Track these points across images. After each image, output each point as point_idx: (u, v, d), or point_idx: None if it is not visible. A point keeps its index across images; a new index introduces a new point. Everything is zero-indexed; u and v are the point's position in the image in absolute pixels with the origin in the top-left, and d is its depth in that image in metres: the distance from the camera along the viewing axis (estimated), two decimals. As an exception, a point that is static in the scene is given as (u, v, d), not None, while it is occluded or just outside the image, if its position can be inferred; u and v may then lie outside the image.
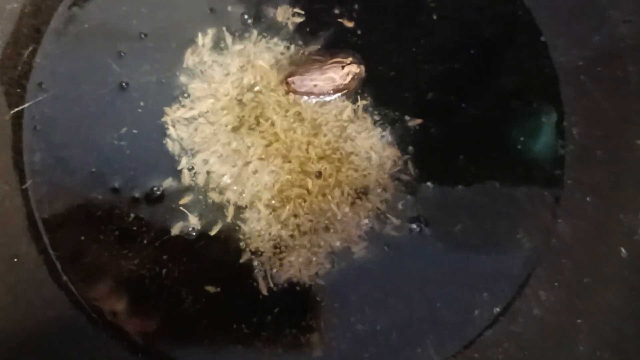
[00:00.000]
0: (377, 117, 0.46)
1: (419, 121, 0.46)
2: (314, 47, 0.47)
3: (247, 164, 0.45)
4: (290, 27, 0.47)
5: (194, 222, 0.45)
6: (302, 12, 0.48)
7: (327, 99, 0.46)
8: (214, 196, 0.45)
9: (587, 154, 0.46)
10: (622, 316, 0.41)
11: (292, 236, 0.45)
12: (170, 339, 0.45)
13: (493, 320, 0.44)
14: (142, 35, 0.47)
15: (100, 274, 0.45)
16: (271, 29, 0.48)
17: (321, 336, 0.44)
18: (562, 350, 0.42)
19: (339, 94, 0.46)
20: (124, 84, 0.47)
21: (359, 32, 0.48)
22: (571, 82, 0.47)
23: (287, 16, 0.47)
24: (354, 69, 0.46)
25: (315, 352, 0.44)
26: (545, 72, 0.48)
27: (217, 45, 0.47)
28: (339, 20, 0.48)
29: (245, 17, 0.48)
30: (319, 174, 0.45)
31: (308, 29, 0.48)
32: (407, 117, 0.47)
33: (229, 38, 0.47)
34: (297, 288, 0.45)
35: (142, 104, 0.46)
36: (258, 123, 0.46)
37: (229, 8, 0.48)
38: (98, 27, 0.47)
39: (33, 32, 0.47)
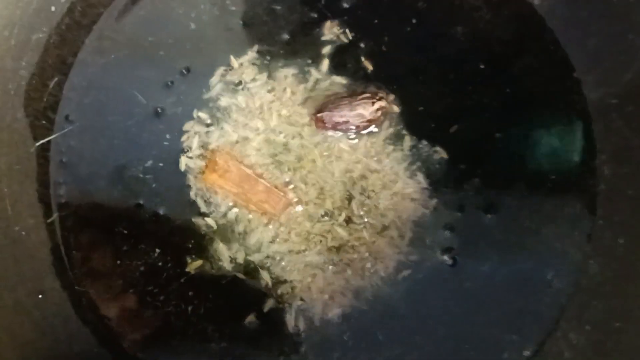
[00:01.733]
0: (406, 151, 0.46)
1: (443, 154, 0.46)
2: (341, 81, 0.47)
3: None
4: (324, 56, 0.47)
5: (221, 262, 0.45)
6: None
7: (356, 134, 0.46)
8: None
9: (618, 193, 0.46)
10: (655, 362, 0.41)
11: (317, 275, 0.44)
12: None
13: (523, 362, 0.44)
14: (168, 67, 0.47)
15: (126, 311, 0.44)
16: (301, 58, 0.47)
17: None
18: (593, 395, 0.42)
19: (368, 129, 0.46)
20: (158, 110, 0.46)
21: (385, 65, 0.47)
22: (602, 119, 0.47)
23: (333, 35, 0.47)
24: (384, 104, 0.45)
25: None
26: (577, 108, 0.47)
27: (244, 79, 0.47)
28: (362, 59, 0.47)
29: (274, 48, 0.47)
30: (348, 219, 0.44)
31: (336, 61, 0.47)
32: (436, 150, 0.46)
33: (255, 71, 0.47)
34: (324, 327, 0.44)
35: (168, 136, 0.46)
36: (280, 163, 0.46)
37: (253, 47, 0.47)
38: (125, 58, 0.47)
39: (59, 62, 0.46)
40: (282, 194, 0.44)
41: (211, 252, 0.45)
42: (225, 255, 0.44)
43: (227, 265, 0.44)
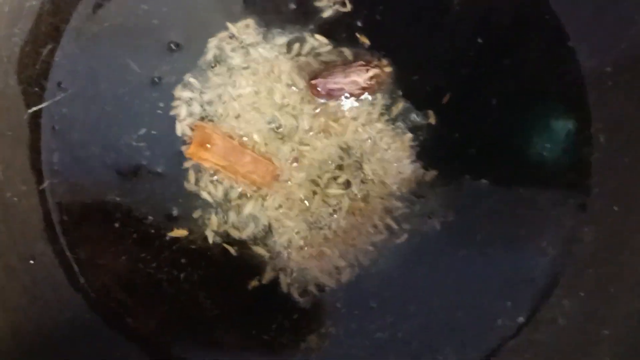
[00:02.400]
0: (400, 121, 0.46)
1: (438, 123, 0.46)
2: (337, 49, 0.47)
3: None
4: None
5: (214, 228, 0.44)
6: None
7: (350, 101, 0.45)
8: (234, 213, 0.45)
9: (613, 161, 0.45)
10: (649, 326, 0.40)
11: (310, 244, 0.44)
12: (187, 343, 0.45)
13: (516, 329, 0.44)
14: (162, 35, 0.47)
15: (117, 277, 0.44)
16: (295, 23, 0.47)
17: (341, 343, 0.44)
18: (586, 360, 0.42)
19: (363, 97, 0.45)
20: (151, 79, 0.46)
21: (382, 35, 0.47)
22: (597, 87, 0.47)
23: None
24: (378, 71, 0.45)
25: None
26: (571, 77, 0.47)
27: (239, 46, 0.47)
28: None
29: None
30: (347, 183, 0.44)
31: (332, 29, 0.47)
32: (431, 119, 0.46)
33: (250, 39, 0.47)
34: (316, 295, 0.44)
35: (161, 104, 0.46)
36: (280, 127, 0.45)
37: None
38: (118, 26, 0.47)
39: (52, 30, 0.46)
40: (269, 163, 0.44)
41: (203, 221, 0.45)
42: (215, 228, 0.44)
43: (214, 239, 0.44)
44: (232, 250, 0.44)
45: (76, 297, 0.44)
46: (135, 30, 0.47)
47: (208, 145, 0.43)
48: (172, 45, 0.46)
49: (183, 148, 0.45)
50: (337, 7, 0.47)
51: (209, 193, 0.45)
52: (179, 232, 0.44)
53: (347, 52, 0.46)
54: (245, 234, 0.44)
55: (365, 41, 0.46)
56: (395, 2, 0.47)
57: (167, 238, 0.44)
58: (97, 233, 0.44)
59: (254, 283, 0.44)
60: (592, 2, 0.47)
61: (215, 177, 0.45)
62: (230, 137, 0.44)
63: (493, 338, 0.44)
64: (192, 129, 0.45)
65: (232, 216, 0.45)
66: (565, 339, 0.43)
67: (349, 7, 0.47)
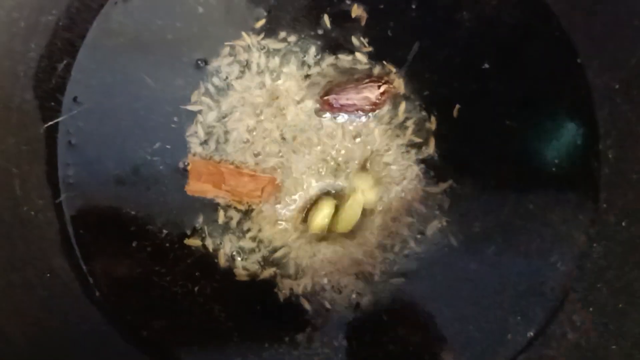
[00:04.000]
0: (411, 135, 0.46)
1: (448, 138, 0.46)
2: (347, 65, 0.47)
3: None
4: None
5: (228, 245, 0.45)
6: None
7: (362, 117, 0.46)
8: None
9: (622, 177, 0.46)
10: (659, 343, 0.41)
11: (323, 259, 0.45)
12: (201, 355, 0.45)
13: (526, 344, 0.44)
14: (176, 50, 0.47)
15: (132, 290, 0.45)
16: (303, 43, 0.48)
17: (353, 355, 0.44)
18: (596, 375, 0.42)
19: (375, 112, 0.46)
20: (165, 93, 0.46)
21: (391, 49, 0.48)
22: (606, 104, 0.47)
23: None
24: (389, 87, 0.45)
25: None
26: (581, 93, 0.48)
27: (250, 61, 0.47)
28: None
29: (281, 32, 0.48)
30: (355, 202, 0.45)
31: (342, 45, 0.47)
32: (442, 133, 0.46)
33: (259, 55, 0.47)
34: (330, 308, 0.45)
35: (175, 119, 0.46)
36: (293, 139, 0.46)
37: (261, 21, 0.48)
38: (133, 40, 0.47)
39: (68, 45, 0.47)
40: (268, 177, 0.45)
41: (219, 240, 0.45)
42: (227, 251, 0.45)
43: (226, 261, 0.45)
44: (242, 275, 0.45)
45: (92, 309, 0.44)
46: (150, 45, 0.47)
47: (205, 177, 0.44)
48: (186, 60, 0.47)
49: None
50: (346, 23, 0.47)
51: (225, 215, 0.46)
52: (193, 242, 0.45)
53: (359, 69, 0.47)
54: (255, 257, 0.45)
55: (368, 47, 0.47)
56: (407, 18, 0.48)
57: (182, 251, 0.45)
58: (113, 246, 0.45)
59: (267, 296, 0.44)
60: (602, 18, 0.47)
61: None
62: (223, 162, 0.45)
63: (503, 352, 0.44)
64: (187, 167, 0.45)
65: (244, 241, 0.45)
66: (575, 354, 0.43)
67: (362, 22, 0.47)
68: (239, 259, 0.45)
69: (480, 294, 0.45)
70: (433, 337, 0.45)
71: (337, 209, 0.45)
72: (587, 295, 0.44)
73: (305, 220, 0.45)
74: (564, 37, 0.48)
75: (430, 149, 0.46)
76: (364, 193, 0.45)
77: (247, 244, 0.45)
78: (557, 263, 0.45)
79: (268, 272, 0.45)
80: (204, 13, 0.47)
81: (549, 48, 0.48)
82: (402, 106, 0.46)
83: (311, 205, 0.46)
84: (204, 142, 0.46)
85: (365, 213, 0.46)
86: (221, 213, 0.45)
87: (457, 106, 0.46)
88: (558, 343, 0.44)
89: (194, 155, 0.45)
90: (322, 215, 0.44)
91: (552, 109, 0.48)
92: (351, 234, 0.45)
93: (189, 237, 0.45)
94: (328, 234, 0.45)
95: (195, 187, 0.44)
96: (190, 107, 0.46)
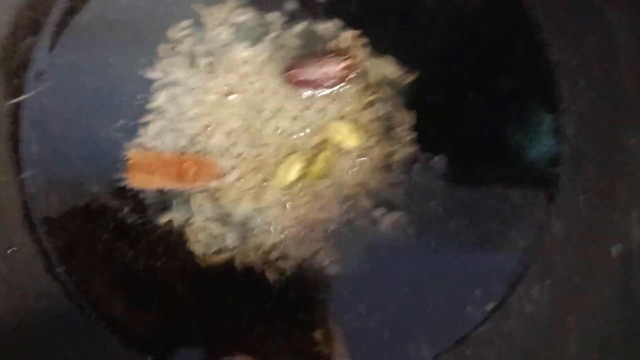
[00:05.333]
0: (372, 115, 0.47)
1: (411, 118, 0.46)
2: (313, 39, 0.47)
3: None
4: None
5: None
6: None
7: (325, 91, 0.46)
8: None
9: (581, 154, 0.46)
10: (611, 315, 0.41)
11: (287, 236, 0.45)
12: (164, 331, 0.45)
13: (485, 317, 0.45)
14: (141, 29, 0.47)
15: (95, 266, 0.45)
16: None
17: (311, 332, 0.45)
18: (552, 348, 0.43)
19: (336, 87, 0.46)
20: (130, 71, 0.47)
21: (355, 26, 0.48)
22: (567, 82, 0.48)
23: None
24: (351, 62, 0.46)
25: (304, 347, 0.44)
26: (542, 72, 0.48)
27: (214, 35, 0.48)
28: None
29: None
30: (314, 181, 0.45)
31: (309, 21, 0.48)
32: (404, 114, 0.47)
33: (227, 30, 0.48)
34: (290, 286, 0.45)
35: (138, 96, 0.47)
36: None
37: None
38: (97, 20, 0.47)
39: (32, 23, 0.47)
40: (211, 160, 0.45)
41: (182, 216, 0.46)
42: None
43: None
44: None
45: (54, 286, 0.45)
46: (114, 24, 0.47)
47: (145, 168, 0.45)
48: (149, 39, 0.47)
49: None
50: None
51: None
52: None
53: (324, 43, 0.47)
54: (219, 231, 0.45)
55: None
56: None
57: (145, 227, 0.45)
58: (75, 223, 0.45)
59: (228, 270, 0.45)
60: (563, -2, 0.48)
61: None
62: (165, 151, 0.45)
63: (462, 326, 0.44)
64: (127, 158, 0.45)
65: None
66: (532, 328, 0.44)
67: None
68: (204, 236, 0.46)
69: (441, 271, 0.45)
70: (394, 315, 0.45)
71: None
72: (546, 269, 0.45)
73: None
74: (525, 15, 0.49)
75: (391, 125, 0.46)
76: (345, 138, 0.45)
77: (212, 219, 0.45)
78: (517, 238, 0.46)
79: (230, 240, 0.45)
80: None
81: (510, 26, 0.49)
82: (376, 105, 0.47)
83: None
84: (157, 123, 0.46)
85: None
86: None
87: (412, 77, 0.46)
88: (516, 316, 0.44)
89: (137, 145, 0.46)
90: (290, 172, 0.44)
91: (512, 87, 0.48)
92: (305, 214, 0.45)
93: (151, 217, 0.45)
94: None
95: (137, 179, 0.45)
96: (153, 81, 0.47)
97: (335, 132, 0.45)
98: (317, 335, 0.44)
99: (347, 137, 0.45)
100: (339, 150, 0.46)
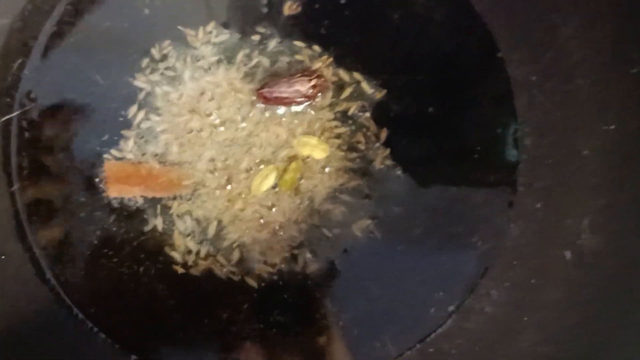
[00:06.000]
0: (340, 125, 0.50)
1: (375, 128, 0.49)
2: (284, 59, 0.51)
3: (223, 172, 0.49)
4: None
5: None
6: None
7: (295, 108, 0.49)
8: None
9: (538, 162, 0.49)
10: (564, 313, 0.44)
11: (256, 240, 0.48)
12: (149, 334, 0.48)
13: (447, 317, 0.47)
14: (124, 49, 0.51)
15: (83, 272, 0.48)
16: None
17: (287, 330, 0.47)
18: (509, 344, 0.45)
19: (306, 104, 0.49)
20: (114, 89, 0.50)
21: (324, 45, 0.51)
22: (524, 94, 0.50)
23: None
24: (319, 81, 0.49)
25: (279, 347, 0.47)
26: (501, 84, 0.51)
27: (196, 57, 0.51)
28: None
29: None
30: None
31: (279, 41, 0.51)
32: (369, 123, 0.50)
33: (210, 50, 0.51)
34: (263, 286, 0.48)
35: (123, 112, 0.50)
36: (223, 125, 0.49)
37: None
38: (83, 40, 0.51)
39: (21, 45, 0.50)
40: (184, 171, 0.48)
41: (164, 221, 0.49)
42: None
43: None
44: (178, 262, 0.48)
45: (43, 290, 0.48)
46: (99, 45, 0.51)
47: (123, 178, 0.48)
48: (133, 58, 0.50)
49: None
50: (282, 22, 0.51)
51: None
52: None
53: (294, 62, 0.50)
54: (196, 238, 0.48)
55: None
56: (339, 16, 0.51)
57: (129, 235, 0.48)
58: (64, 231, 0.48)
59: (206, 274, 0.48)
60: (521, 15, 0.51)
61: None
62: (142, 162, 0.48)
63: (426, 325, 0.47)
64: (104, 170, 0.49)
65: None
66: (491, 326, 0.47)
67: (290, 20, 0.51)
68: (184, 241, 0.48)
69: (407, 273, 0.48)
70: (362, 314, 0.48)
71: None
72: (505, 272, 0.48)
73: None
74: (486, 32, 0.52)
75: (359, 136, 0.49)
76: (312, 151, 0.48)
77: (190, 224, 0.48)
78: (478, 242, 0.49)
79: (205, 250, 0.48)
80: (149, 14, 0.51)
81: (472, 43, 0.52)
82: (329, 95, 0.50)
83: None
84: (139, 137, 0.49)
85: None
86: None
87: (384, 92, 0.49)
88: (476, 316, 0.47)
89: (115, 158, 0.49)
90: (264, 182, 0.47)
91: (475, 99, 0.51)
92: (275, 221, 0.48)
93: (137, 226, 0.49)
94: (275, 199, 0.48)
95: (116, 189, 0.48)
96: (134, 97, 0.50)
97: (304, 146, 0.48)
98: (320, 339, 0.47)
99: (314, 149, 0.48)
100: (308, 162, 0.48)
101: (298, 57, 0.50)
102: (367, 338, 0.47)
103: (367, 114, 0.50)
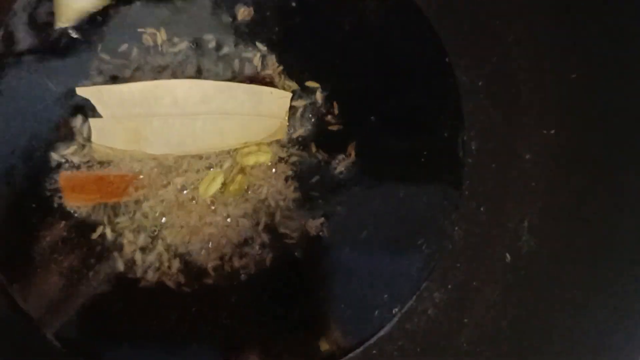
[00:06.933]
0: (291, 130, 0.50)
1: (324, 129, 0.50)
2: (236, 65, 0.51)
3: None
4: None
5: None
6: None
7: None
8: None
9: (482, 166, 0.50)
10: (501, 314, 0.45)
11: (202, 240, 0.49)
12: (102, 340, 0.49)
13: (391, 319, 0.48)
14: (76, 55, 0.51)
15: (34, 277, 0.49)
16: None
17: (235, 332, 0.48)
18: (449, 345, 0.46)
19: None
20: (66, 95, 0.50)
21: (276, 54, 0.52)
22: (471, 99, 0.51)
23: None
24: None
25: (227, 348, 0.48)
26: (449, 89, 0.52)
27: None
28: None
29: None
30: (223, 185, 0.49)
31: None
32: (316, 126, 0.50)
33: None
34: (209, 287, 0.48)
35: (73, 120, 0.50)
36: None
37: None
38: (34, 47, 0.51)
39: (-26, 52, 0.51)
40: (131, 174, 0.49)
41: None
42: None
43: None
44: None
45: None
46: (50, 51, 0.51)
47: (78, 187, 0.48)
48: (86, 63, 0.51)
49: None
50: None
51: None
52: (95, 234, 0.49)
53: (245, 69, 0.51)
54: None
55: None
56: (290, 24, 0.52)
57: (79, 239, 0.49)
58: (15, 237, 0.49)
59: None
60: (468, 21, 0.52)
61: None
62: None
63: (371, 327, 0.48)
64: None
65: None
66: (433, 327, 0.48)
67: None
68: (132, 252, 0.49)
69: (352, 276, 0.49)
70: (306, 315, 0.49)
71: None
72: (447, 274, 0.49)
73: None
74: (435, 38, 0.53)
75: (305, 145, 0.50)
76: (256, 158, 0.49)
77: (138, 235, 0.49)
78: (423, 245, 0.49)
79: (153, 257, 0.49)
80: (101, 20, 0.52)
81: (421, 49, 0.53)
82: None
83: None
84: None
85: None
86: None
87: (323, 94, 0.50)
88: (419, 318, 0.48)
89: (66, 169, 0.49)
90: (211, 184, 0.48)
91: (422, 104, 0.52)
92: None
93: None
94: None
95: (72, 198, 0.49)
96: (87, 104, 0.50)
97: (246, 156, 0.49)
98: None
99: (258, 156, 0.48)
100: (253, 168, 0.49)
101: (248, 63, 0.51)
102: (311, 339, 0.48)
103: (313, 118, 0.51)
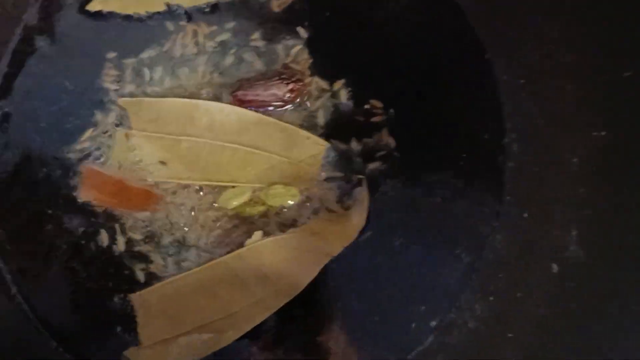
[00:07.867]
0: (323, 133, 0.48)
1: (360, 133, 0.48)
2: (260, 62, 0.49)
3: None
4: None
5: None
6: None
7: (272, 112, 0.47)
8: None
9: (525, 170, 0.47)
10: (548, 329, 0.42)
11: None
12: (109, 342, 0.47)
13: (429, 332, 0.46)
14: (93, 55, 0.49)
15: (48, 287, 0.47)
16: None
17: (263, 346, 0.46)
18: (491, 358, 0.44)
19: (283, 108, 0.47)
20: (83, 96, 0.49)
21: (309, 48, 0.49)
22: (511, 99, 0.48)
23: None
24: (298, 85, 0.47)
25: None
26: (488, 89, 0.49)
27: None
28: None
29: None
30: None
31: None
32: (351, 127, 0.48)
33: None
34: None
35: (92, 120, 0.48)
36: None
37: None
38: (51, 47, 0.49)
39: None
40: (153, 190, 0.46)
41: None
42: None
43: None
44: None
45: (9, 306, 0.46)
46: (68, 51, 0.49)
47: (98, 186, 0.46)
48: (104, 63, 0.49)
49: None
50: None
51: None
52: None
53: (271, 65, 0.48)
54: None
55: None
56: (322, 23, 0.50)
57: (98, 248, 0.47)
58: (29, 245, 0.47)
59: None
60: (508, 18, 0.49)
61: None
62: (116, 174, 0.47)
63: (406, 341, 0.46)
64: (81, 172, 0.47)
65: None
66: (474, 341, 0.45)
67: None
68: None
69: (387, 286, 0.46)
70: (343, 328, 0.46)
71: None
72: (488, 284, 0.46)
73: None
74: (472, 35, 0.50)
75: (344, 149, 0.48)
76: (282, 200, 0.46)
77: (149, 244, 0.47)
78: (461, 254, 0.47)
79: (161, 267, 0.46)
80: (121, 21, 0.49)
81: (458, 45, 0.50)
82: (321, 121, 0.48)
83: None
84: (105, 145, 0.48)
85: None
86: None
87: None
88: (459, 331, 0.45)
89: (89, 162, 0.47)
90: (236, 198, 0.46)
91: (459, 104, 0.49)
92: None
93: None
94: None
95: (87, 194, 0.46)
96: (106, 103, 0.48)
97: (273, 198, 0.46)
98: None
99: (284, 198, 0.46)
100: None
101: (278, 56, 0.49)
102: (346, 355, 0.46)
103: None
